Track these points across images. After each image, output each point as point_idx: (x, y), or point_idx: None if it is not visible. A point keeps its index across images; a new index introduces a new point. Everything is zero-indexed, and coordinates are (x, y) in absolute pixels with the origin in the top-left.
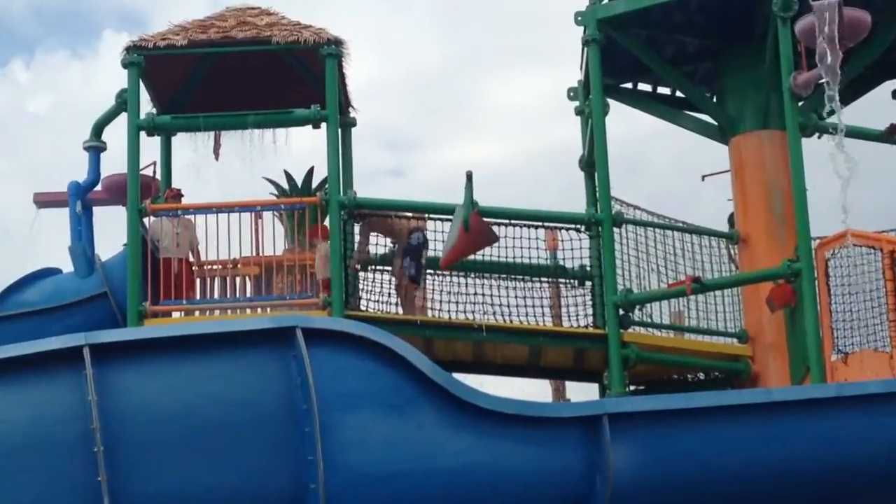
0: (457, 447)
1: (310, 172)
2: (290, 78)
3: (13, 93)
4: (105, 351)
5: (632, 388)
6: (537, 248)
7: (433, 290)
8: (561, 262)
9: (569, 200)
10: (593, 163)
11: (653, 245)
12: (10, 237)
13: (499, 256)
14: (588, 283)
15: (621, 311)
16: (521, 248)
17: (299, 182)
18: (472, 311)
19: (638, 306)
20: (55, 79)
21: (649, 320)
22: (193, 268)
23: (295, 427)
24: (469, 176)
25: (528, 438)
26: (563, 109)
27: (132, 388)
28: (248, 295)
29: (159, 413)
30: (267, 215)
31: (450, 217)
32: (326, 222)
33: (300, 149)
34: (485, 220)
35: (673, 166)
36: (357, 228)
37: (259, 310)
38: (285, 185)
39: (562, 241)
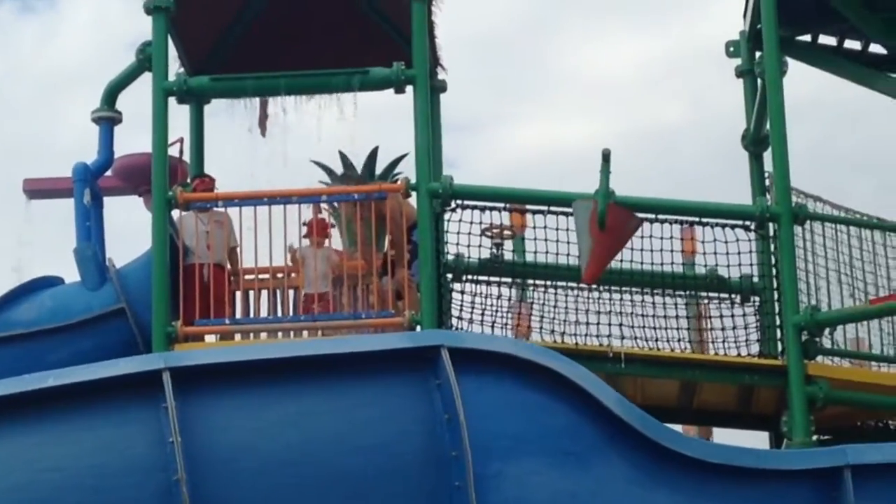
0: None
1: (373, 154)
2: (362, 28)
3: None
4: (189, 377)
5: (816, 437)
6: (671, 251)
7: (546, 306)
8: (710, 271)
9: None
10: (761, 140)
11: (844, 250)
12: None
13: (633, 262)
14: (753, 300)
15: (804, 336)
16: (656, 251)
17: (359, 166)
18: (606, 336)
19: (827, 330)
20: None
21: (840, 348)
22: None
23: (440, 480)
24: (606, 156)
25: (746, 498)
26: (669, 80)
27: (226, 427)
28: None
29: (261, 460)
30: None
31: (564, 210)
32: (324, 215)
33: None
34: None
35: (815, 149)
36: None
37: (319, 332)
38: (339, 171)
39: (718, 242)
